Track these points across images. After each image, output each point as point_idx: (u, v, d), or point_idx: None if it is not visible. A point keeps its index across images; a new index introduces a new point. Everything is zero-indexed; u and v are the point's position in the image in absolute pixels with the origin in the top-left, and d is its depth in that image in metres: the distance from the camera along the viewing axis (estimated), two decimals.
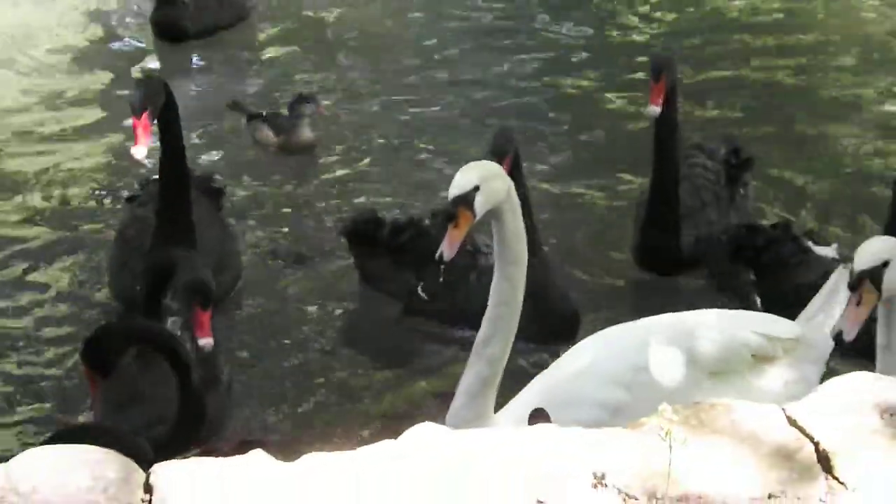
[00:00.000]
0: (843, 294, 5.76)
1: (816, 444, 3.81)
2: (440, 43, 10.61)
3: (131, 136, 6.59)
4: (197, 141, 8.47)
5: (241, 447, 4.64)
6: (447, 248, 5.12)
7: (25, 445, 5.43)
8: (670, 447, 3.63)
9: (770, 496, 3.65)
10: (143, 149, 6.17)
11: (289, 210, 7.98)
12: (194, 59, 9.88)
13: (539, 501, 3.51)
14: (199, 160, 8.20)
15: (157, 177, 6.94)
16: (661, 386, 5.32)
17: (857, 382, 4.15)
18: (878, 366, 5.32)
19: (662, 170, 7.16)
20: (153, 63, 9.95)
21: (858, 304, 5.08)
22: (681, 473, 3.64)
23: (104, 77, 9.78)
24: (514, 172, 6.15)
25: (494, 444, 3.83)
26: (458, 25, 11.14)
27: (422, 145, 8.89)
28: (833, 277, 5.96)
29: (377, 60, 10.32)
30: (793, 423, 3.90)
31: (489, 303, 5.38)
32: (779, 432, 3.88)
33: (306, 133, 8.31)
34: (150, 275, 6.23)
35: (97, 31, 10.51)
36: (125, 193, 7.60)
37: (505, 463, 3.68)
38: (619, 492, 3.59)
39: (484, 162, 5.43)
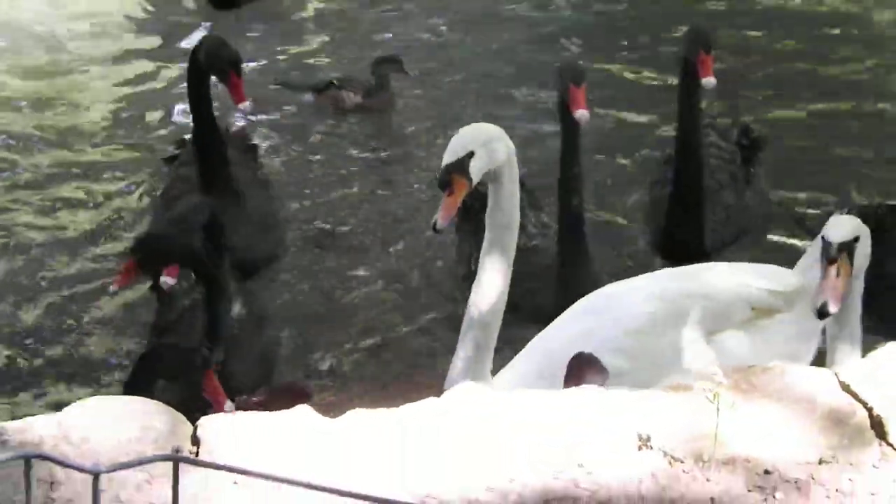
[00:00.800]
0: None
1: (870, 410, 3.76)
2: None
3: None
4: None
5: (291, 397, 4.68)
6: (441, 217, 5.03)
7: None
8: (717, 410, 3.61)
9: (821, 461, 3.62)
10: (247, 103, 6.35)
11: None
12: (244, 25, 9.66)
13: (580, 465, 3.50)
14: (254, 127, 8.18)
15: (188, 136, 6.99)
16: (660, 351, 5.30)
17: None
18: (828, 357, 5.27)
19: (687, 153, 6.82)
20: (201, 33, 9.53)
21: (838, 275, 5.03)
22: (728, 436, 3.61)
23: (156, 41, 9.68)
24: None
25: (537, 404, 3.83)
26: None
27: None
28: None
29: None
30: (846, 388, 3.85)
31: (480, 268, 5.30)
32: (831, 397, 3.83)
33: (390, 94, 8.27)
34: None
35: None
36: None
37: (547, 425, 3.69)
38: (665, 454, 3.57)
39: (481, 125, 5.32)
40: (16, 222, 7.12)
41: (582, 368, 4.70)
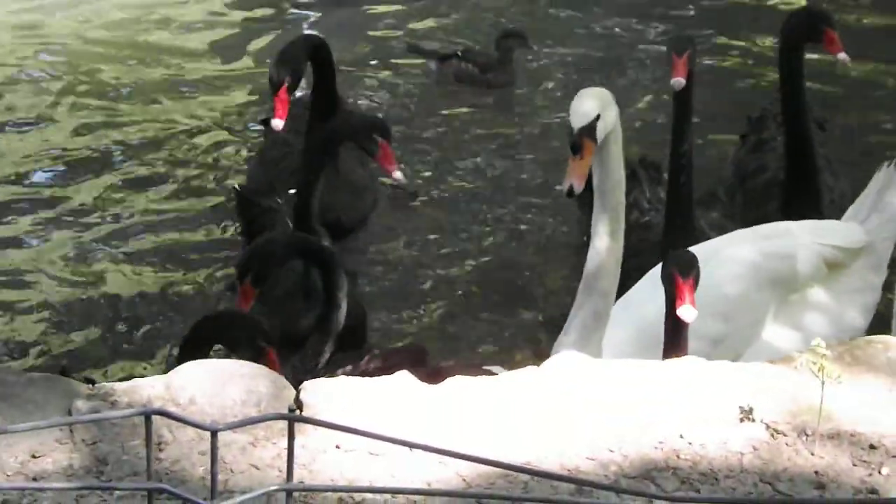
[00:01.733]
0: (893, 192, 5.70)
1: None
2: None
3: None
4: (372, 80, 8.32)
5: (409, 361, 4.67)
6: (576, 182, 4.98)
7: None
8: (822, 383, 3.55)
9: None
10: (281, 122, 6.23)
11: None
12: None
13: (681, 436, 3.48)
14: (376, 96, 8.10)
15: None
16: (756, 313, 5.29)
17: None
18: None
19: (799, 138, 6.46)
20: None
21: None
22: (833, 410, 3.57)
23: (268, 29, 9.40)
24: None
25: (639, 375, 3.82)
26: None
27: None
28: (880, 176, 5.79)
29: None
30: None
31: (593, 234, 5.23)
32: None
33: (514, 69, 8.16)
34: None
35: None
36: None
37: (650, 396, 3.67)
38: (767, 427, 3.53)
39: (598, 89, 5.28)
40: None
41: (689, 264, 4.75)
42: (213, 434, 1.98)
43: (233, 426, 2.46)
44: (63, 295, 6.41)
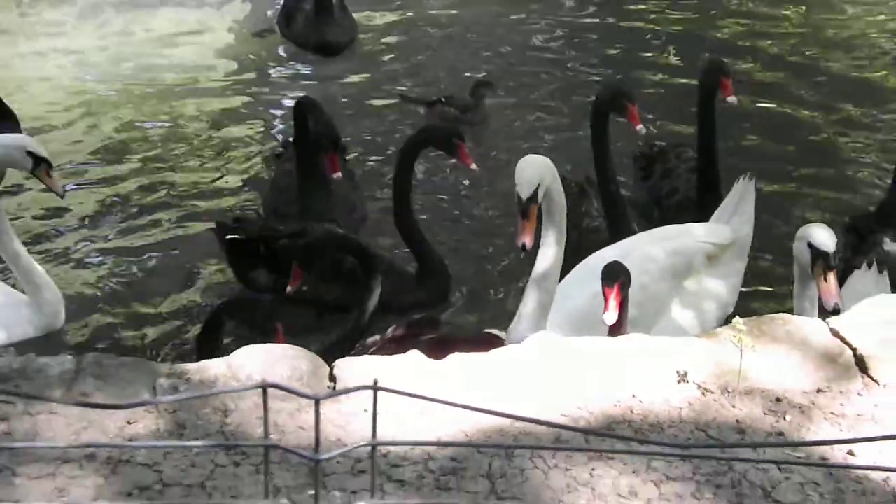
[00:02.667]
0: (748, 199, 5.70)
1: (854, 350, 3.81)
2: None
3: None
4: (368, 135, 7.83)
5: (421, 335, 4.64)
6: (528, 240, 4.97)
7: None
8: (741, 351, 3.64)
9: (818, 390, 3.65)
10: (339, 175, 6.19)
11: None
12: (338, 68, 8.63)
13: (633, 395, 3.52)
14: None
15: (292, 138, 6.81)
16: (660, 298, 5.32)
17: (887, 302, 4.14)
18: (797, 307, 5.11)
19: None
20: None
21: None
22: (748, 372, 3.65)
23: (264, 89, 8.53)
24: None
25: (598, 348, 3.85)
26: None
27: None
28: (738, 187, 5.78)
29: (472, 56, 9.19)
30: (835, 333, 3.89)
31: (542, 245, 5.19)
32: (824, 341, 3.87)
33: (486, 111, 7.96)
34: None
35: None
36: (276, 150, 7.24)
37: (606, 364, 3.70)
38: (699, 387, 3.60)
39: (535, 158, 5.17)
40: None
41: (616, 274, 4.70)
42: (317, 402, 2.03)
43: (330, 395, 2.52)
44: (120, 295, 6.21)
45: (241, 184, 7.07)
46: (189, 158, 7.24)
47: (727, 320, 4.96)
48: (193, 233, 6.61)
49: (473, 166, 6.10)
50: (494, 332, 5.31)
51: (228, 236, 6.04)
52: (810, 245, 4.89)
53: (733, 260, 5.65)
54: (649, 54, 9.00)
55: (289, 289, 5.61)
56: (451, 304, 6.19)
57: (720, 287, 5.57)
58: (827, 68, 8.96)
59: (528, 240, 4.93)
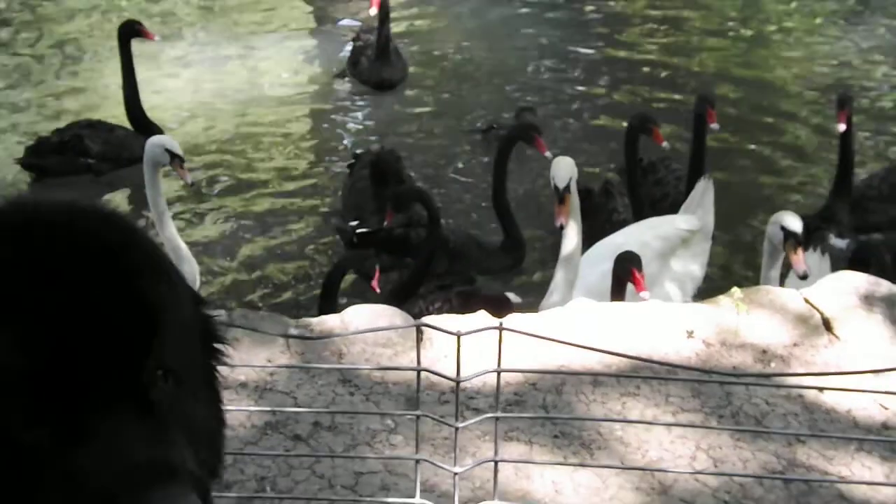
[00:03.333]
0: (708, 195, 5.85)
1: (821, 313, 3.97)
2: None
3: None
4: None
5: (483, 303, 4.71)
6: (564, 219, 5.23)
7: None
8: (738, 314, 3.86)
9: (794, 344, 3.83)
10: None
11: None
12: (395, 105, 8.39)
13: (652, 348, 3.70)
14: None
15: (360, 151, 6.76)
16: (651, 273, 5.37)
17: (845, 277, 4.26)
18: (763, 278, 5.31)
19: None
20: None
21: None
22: (741, 330, 3.85)
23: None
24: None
25: (623, 311, 4.03)
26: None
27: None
28: (700, 185, 5.95)
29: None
30: (807, 300, 4.03)
31: (566, 238, 5.40)
32: (798, 306, 4.02)
33: None
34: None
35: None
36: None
37: (630, 323, 3.86)
38: (703, 342, 3.78)
39: (565, 159, 5.42)
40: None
41: (636, 260, 4.92)
42: (458, 336, 2.30)
43: (470, 332, 2.75)
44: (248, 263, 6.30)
45: (319, 182, 7.21)
46: (282, 162, 7.40)
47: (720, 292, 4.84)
48: (291, 220, 6.72)
49: (548, 154, 6.20)
50: (510, 294, 5.55)
51: (358, 231, 6.19)
52: (783, 228, 5.14)
53: (701, 242, 5.82)
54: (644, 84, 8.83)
55: (385, 223, 5.86)
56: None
57: (693, 264, 5.76)
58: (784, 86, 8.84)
59: (563, 220, 5.22)
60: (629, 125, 6.43)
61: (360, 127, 7.81)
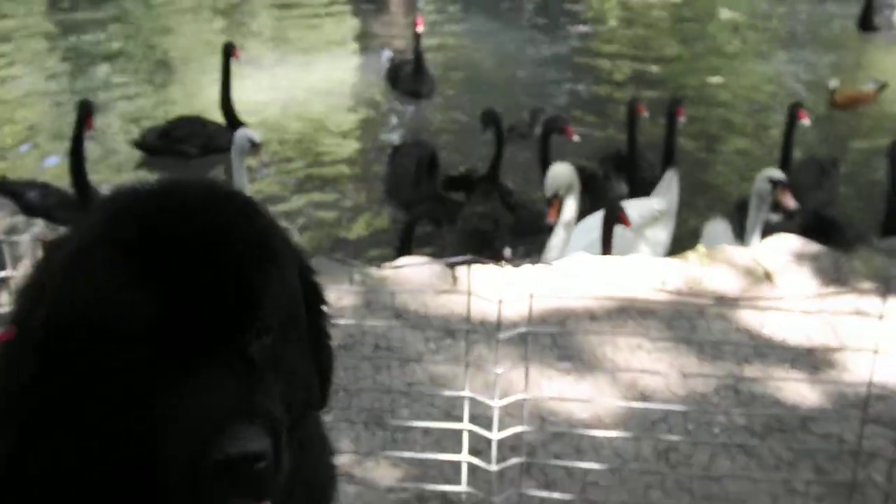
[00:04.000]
0: (673, 183, 5.98)
1: (764, 268, 4.08)
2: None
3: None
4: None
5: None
6: (552, 219, 5.35)
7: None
8: (701, 266, 3.99)
9: (743, 290, 3.96)
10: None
11: None
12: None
13: (634, 293, 3.77)
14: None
15: (397, 143, 6.86)
16: (630, 240, 5.48)
17: (782, 240, 4.31)
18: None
19: None
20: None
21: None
22: (703, 280, 3.99)
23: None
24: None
25: (611, 264, 4.11)
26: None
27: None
28: (666, 176, 6.05)
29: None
30: (753, 258, 4.15)
31: (568, 206, 5.46)
32: (747, 261, 4.13)
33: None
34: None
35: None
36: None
37: (614, 273, 3.94)
38: (674, 290, 3.92)
39: (557, 169, 5.49)
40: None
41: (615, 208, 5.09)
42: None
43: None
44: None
45: (367, 166, 7.26)
46: (338, 150, 7.51)
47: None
48: (348, 192, 6.83)
49: (576, 137, 6.22)
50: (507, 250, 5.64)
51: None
52: (770, 179, 5.33)
53: (668, 220, 5.94)
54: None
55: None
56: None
57: (662, 235, 5.88)
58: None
59: (552, 219, 5.37)
60: (671, 108, 6.42)
61: (398, 125, 7.94)
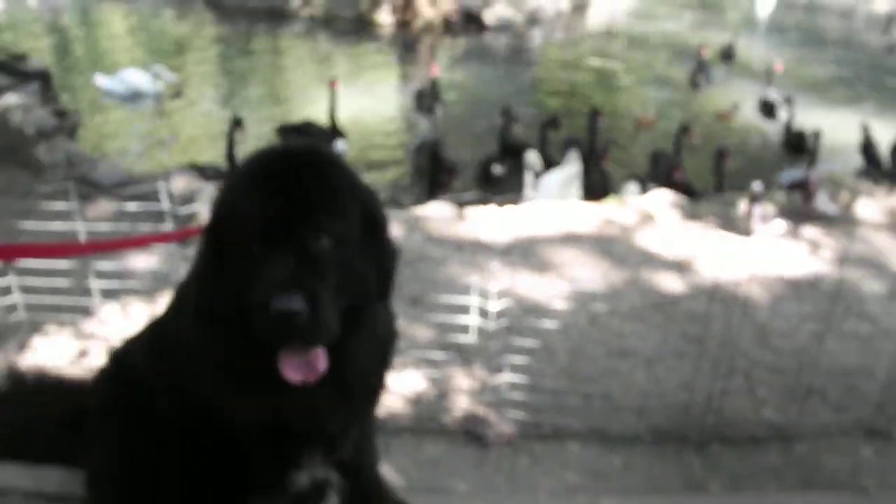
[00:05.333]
0: (574, 157, 5.54)
1: (648, 211, 4.30)
2: None
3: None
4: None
5: None
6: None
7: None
8: (616, 209, 4.18)
9: (637, 225, 4.18)
10: None
11: None
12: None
13: (572, 228, 3.92)
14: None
15: (418, 143, 6.45)
16: (559, 192, 5.16)
17: (661, 193, 4.50)
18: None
19: None
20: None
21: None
22: (613, 218, 4.20)
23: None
24: None
25: (557, 207, 4.15)
26: None
27: None
28: (571, 154, 5.58)
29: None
30: (642, 207, 4.33)
31: (531, 161, 5.35)
32: (641, 207, 4.36)
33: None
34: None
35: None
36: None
37: (561, 216, 4.03)
38: (594, 226, 4.07)
39: (533, 152, 5.31)
40: None
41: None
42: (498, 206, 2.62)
43: (504, 202, 3.06)
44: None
45: (400, 158, 6.89)
46: (380, 148, 7.11)
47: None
48: (387, 173, 6.52)
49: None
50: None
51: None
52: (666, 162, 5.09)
53: (578, 180, 5.62)
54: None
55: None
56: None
57: (575, 190, 5.51)
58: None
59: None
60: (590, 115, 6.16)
61: (420, 131, 7.66)
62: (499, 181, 5.81)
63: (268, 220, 1.27)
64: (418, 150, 6.41)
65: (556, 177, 5.44)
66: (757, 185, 4.22)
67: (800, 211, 4.27)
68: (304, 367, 1.28)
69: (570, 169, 5.56)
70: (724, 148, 5.59)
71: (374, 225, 1.37)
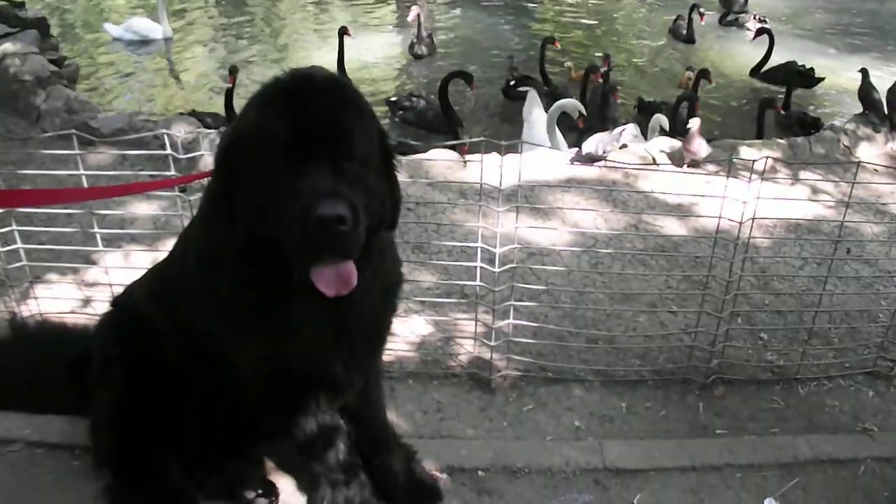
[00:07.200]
0: (534, 100, 5.33)
1: (652, 154, 4.21)
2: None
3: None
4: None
5: None
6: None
7: None
8: (617, 154, 4.09)
9: (640, 166, 4.06)
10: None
11: None
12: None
13: (573, 171, 3.87)
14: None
15: (416, 96, 5.97)
16: (545, 128, 4.92)
17: (661, 140, 4.35)
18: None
19: None
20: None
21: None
22: (618, 162, 4.09)
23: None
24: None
25: (560, 154, 4.16)
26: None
27: None
28: (529, 95, 5.39)
29: None
30: (646, 149, 4.28)
31: (531, 98, 5.19)
32: (642, 151, 4.26)
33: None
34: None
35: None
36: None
37: (544, 158, 3.94)
38: (599, 167, 4.00)
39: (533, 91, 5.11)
40: None
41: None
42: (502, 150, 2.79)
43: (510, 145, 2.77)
44: None
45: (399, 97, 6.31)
46: (382, 87, 6.79)
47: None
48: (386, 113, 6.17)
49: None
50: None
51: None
52: (659, 123, 4.91)
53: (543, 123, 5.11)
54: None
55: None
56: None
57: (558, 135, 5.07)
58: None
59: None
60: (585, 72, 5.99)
61: (413, 74, 7.47)
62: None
63: (301, 137, 1.26)
64: (409, 101, 6.09)
65: (542, 119, 5.20)
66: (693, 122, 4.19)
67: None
68: (337, 279, 1.26)
69: (561, 106, 5.23)
70: (770, 98, 5.43)
71: (387, 152, 1.41)
